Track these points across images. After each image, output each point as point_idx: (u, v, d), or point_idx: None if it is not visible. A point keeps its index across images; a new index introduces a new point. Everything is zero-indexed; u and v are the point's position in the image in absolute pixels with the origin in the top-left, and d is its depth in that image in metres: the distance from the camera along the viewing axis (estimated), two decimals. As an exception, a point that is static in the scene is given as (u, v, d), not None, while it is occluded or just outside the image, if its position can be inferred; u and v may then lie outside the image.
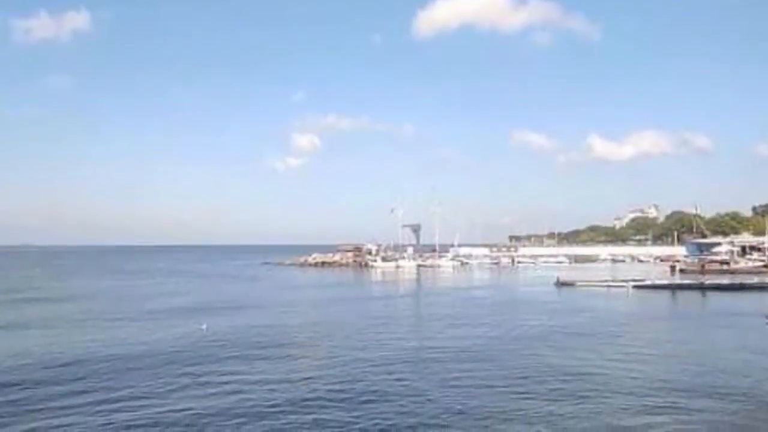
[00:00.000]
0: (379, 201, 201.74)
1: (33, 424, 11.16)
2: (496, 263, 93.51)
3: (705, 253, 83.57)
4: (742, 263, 70.54)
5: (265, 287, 51.03)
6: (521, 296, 40.97)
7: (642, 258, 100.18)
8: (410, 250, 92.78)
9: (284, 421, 11.27)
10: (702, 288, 41.73)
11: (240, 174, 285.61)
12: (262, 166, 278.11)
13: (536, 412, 11.73)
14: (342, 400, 12.79)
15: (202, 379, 14.85)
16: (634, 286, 42.66)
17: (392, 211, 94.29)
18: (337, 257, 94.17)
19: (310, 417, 11.53)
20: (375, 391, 13.54)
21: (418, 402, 12.60)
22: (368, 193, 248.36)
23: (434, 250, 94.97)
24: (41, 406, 12.40)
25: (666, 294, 39.64)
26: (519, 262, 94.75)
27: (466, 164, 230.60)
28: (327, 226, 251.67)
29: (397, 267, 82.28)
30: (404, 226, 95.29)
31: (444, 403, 12.49)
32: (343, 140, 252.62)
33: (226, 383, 14.47)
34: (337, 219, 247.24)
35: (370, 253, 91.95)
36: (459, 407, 12.14)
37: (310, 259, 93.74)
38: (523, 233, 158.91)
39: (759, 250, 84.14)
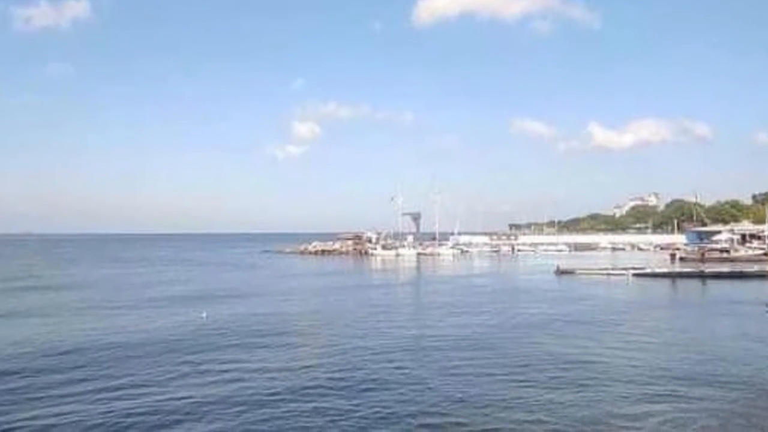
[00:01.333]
0: (379, 189, 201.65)
1: (33, 412, 11.15)
2: (496, 251, 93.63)
3: (705, 241, 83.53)
4: (742, 251, 70.58)
5: (265, 275, 51.08)
6: (521, 284, 41.01)
7: (642, 246, 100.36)
8: (410, 238, 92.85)
9: (284, 409, 11.27)
10: (702, 276, 41.76)
11: (240, 162, 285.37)
12: (262, 154, 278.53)
13: (536, 400, 11.73)
14: (342, 389, 12.79)
15: (202, 368, 14.85)
16: (634, 275, 42.70)
17: (392, 199, 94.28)
18: (337, 245, 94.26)
19: (311, 405, 11.53)
20: (375, 380, 13.54)
21: (419, 390, 12.60)
22: (368, 182, 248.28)
23: (434, 239, 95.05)
24: (41, 395, 12.40)
25: (666, 282, 39.67)
26: (519, 251, 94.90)
27: (467, 152, 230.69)
28: (327, 215, 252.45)
29: (397, 255, 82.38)
30: (404, 214, 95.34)
31: (444, 391, 12.49)
32: (343, 128, 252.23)
33: (226, 371, 14.47)
34: (337, 207, 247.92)
35: (370, 241, 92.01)
36: (459, 395, 12.14)
37: (310, 248, 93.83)
38: (523, 221, 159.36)
39: (759, 238, 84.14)
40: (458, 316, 24.86)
